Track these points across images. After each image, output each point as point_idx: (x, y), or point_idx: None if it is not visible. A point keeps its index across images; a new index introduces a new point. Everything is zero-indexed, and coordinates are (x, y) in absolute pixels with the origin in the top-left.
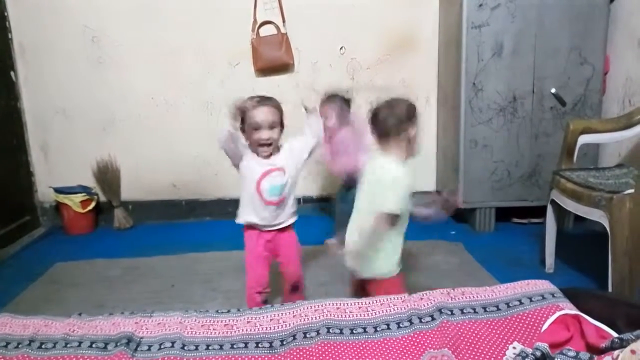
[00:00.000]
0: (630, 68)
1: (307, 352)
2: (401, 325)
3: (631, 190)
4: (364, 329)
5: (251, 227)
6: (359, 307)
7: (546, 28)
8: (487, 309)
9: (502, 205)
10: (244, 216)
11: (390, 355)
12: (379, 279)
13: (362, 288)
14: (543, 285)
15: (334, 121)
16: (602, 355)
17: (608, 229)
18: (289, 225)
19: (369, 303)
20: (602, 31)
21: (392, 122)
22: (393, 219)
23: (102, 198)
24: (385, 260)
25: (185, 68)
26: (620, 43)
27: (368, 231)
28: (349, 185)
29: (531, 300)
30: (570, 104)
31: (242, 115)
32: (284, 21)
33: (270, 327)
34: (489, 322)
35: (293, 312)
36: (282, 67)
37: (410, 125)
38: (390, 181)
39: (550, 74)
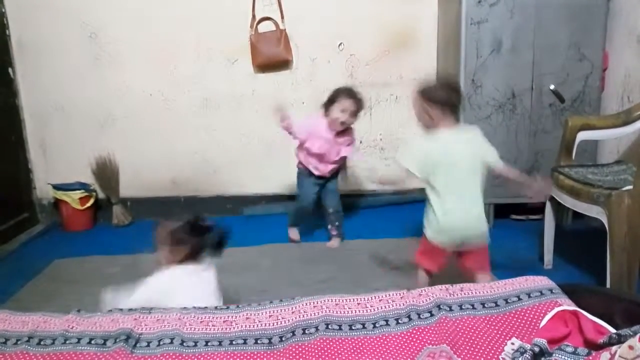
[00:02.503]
0: (629, 64)
1: (306, 348)
2: (400, 321)
3: (629, 187)
4: (363, 325)
5: None
6: (358, 304)
7: (545, 24)
8: (486, 305)
9: (500, 202)
10: None
11: (388, 351)
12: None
13: None
14: (541, 282)
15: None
16: (600, 351)
17: (606, 225)
18: None
19: (368, 299)
20: (601, 27)
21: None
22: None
23: (101, 195)
24: (427, 223)
25: (184, 64)
26: (619, 39)
27: None
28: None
29: (529, 297)
30: (569, 100)
31: None
32: (282, 17)
33: (269, 324)
34: (488, 318)
35: (292, 308)
36: (281, 64)
37: (428, 103)
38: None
39: (549, 70)
